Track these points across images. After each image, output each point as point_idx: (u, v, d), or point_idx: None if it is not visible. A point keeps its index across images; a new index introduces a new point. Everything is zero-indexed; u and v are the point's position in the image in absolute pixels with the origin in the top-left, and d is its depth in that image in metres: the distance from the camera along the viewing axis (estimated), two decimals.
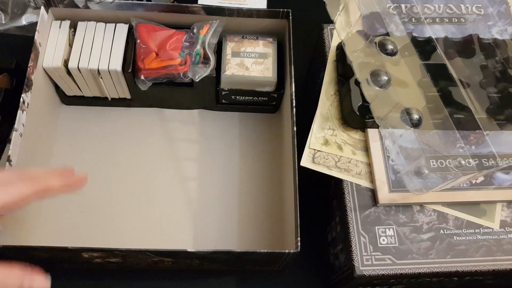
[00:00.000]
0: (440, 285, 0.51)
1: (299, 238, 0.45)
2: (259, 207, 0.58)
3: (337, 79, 0.54)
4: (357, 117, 0.49)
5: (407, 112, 0.46)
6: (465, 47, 0.52)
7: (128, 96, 0.61)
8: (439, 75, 0.50)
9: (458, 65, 0.51)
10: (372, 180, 0.48)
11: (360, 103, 0.49)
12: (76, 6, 0.56)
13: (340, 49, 0.54)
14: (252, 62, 0.57)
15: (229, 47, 0.58)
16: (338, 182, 0.49)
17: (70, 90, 0.59)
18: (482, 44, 0.52)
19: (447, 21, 0.57)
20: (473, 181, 0.49)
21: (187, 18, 0.57)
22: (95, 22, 0.57)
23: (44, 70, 0.55)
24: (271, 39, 0.59)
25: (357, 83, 0.49)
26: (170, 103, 0.62)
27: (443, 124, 0.48)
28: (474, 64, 0.51)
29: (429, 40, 0.52)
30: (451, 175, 0.48)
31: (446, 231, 0.47)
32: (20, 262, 0.38)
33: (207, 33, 0.56)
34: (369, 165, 0.49)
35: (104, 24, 0.57)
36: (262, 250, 0.46)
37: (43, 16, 0.54)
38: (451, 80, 0.50)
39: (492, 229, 0.47)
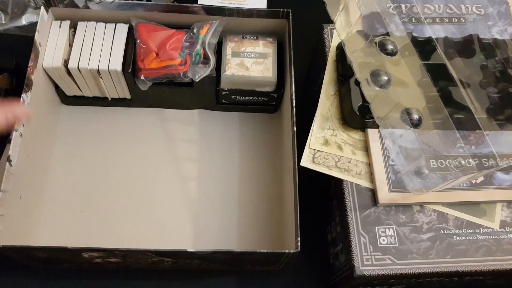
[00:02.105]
0: (440, 285, 0.51)
1: (299, 238, 0.45)
2: (259, 207, 0.58)
3: (337, 79, 0.54)
4: (357, 117, 0.49)
5: (407, 112, 0.46)
6: (465, 47, 0.52)
7: (128, 96, 0.61)
8: (439, 75, 0.50)
9: (458, 65, 0.51)
10: (372, 180, 0.48)
11: (360, 103, 0.49)
12: (76, 6, 0.56)
13: (340, 49, 0.54)
14: (252, 62, 0.57)
15: (229, 47, 0.58)
16: (338, 182, 0.49)
17: (70, 90, 0.59)
18: (482, 44, 0.52)
19: (447, 21, 0.57)
20: (473, 181, 0.49)
21: (187, 18, 0.57)
22: (95, 22, 0.57)
23: (44, 70, 0.55)
24: (271, 39, 0.59)
25: (357, 83, 0.49)
26: (170, 103, 0.62)
27: (443, 124, 0.48)
28: (474, 64, 0.51)
29: (429, 40, 0.52)
30: (451, 175, 0.48)
31: (446, 231, 0.47)
32: None
33: (207, 33, 0.56)
34: (369, 165, 0.49)
35: (104, 24, 0.57)
36: (262, 250, 0.46)
37: (43, 16, 0.54)
38: (451, 80, 0.50)
39: (492, 229, 0.47)
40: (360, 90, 0.49)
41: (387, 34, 0.49)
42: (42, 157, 0.57)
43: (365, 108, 0.49)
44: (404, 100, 0.47)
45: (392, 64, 0.49)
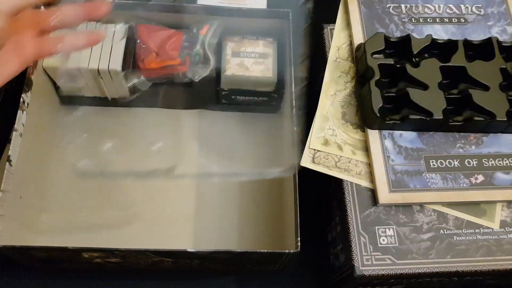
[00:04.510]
0: (440, 285, 0.51)
1: (299, 238, 0.45)
2: (259, 207, 0.58)
3: (357, 80, 0.53)
4: (378, 119, 0.49)
5: None
6: (485, 49, 0.52)
7: (128, 96, 0.61)
8: (458, 78, 0.50)
9: (478, 68, 0.50)
10: (372, 180, 0.48)
11: (381, 104, 0.48)
12: None
13: (361, 49, 0.53)
14: (252, 62, 0.57)
15: (229, 47, 0.58)
16: (338, 182, 0.49)
17: (70, 90, 0.59)
18: (501, 47, 0.52)
19: (447, 21, 0.57)
20: (473, 181, 0.49)
21: (187, 18, 0.57)
22: (95, 22, 0.57)
23: (44, 70, 0.55)
24: (271, 39, 0.59)
25: (378, 85, 0.49)
26: (170, 103, 0.62)
27: (463, 127, 0.48)
28: (493, 67, 0.51)
29: (448, 43, 0.52)
30: (451, 175, 0.48)
31: (446, 231, 0.47)
32: None
33: (207, 33, 0.56)
34: (369, 165, 0.49)
35: (104, 24, 0.57)
36: (262, 250, 0.46)
37: None
38: (470, 83, 0.50)
39: (492, 229, 0.47)
40: (381, 92, 0.48)
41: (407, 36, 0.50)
42: (42, 157, 0.57)
43: (386, 110, 0.48)
44: (424, 102, 0.47)
45: (413, 67, 0.49)
